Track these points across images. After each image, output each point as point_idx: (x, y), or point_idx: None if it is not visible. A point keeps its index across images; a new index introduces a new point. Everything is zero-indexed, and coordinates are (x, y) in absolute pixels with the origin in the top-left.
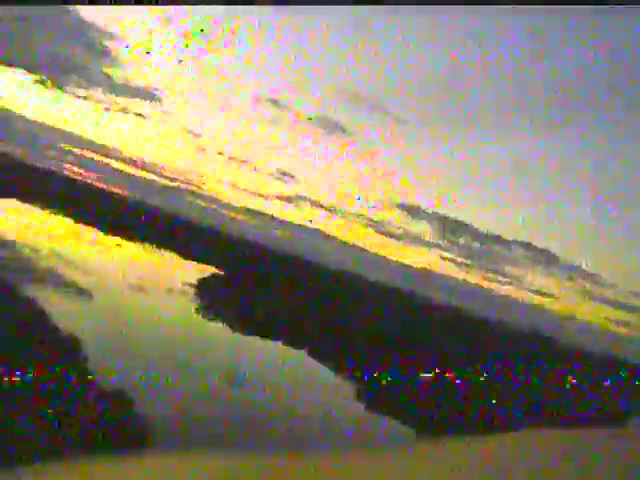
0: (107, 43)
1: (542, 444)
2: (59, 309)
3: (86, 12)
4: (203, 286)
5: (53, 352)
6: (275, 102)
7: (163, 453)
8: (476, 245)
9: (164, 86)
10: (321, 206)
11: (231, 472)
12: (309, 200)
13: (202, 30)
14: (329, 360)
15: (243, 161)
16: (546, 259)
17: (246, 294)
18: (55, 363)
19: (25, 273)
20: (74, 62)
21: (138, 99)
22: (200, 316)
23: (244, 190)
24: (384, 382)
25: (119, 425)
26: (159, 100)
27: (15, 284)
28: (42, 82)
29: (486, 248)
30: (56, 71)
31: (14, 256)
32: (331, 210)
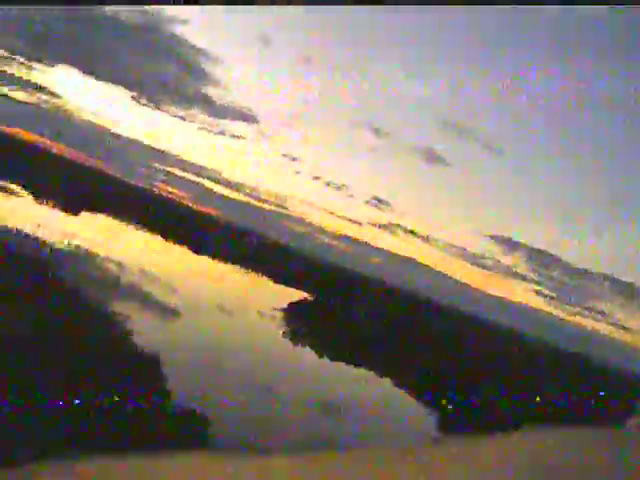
0: (202, 62)
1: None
2: (143, 327)
3: (179, 28)
4: (292, 310)
5: (135, 371)
6: (375, 130)
7: None
8: (567, 279)
9: (262, 108)
10: (415, 234)
11: None
12: (403, 228)
13: (304, 56)
14: (415, 388)
15: (339, 187)
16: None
17: (335, 319)
18: (137, 382)
19: (111, 289)
20: (170, 80)
21: (235, 120)
22: (288, 340)
23: (339, 216)
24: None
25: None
26: (257, 122)
27: (100, 299)
28: (137, 99)
29: (577, 282)
30: (152, 88)
31: (101, 271)
32: (425, 239)
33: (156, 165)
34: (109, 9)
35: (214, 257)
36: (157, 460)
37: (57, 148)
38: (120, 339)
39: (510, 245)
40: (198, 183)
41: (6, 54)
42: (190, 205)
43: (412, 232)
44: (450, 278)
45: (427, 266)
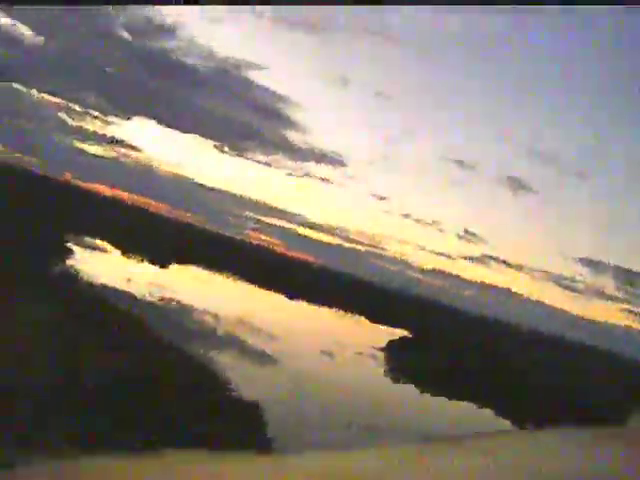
0: (282, 106)
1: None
2: (243, 375)
3: (255, 75)
4: (392, 349)
5: (235, 419)
6: (460, 162)
7: None
8: None
9: (346, 149)
10: (508, 264)
11: None
12: (496, 259)
13: (383, 95)
14: (517, 418)
15: (429, 223)
16: None
17: (435, 355)
18: (236, 430)
19: (207, 340)
20: (251, 127)
21: (320, 163)
22: (389, 379)
23: (430, 251)
24: None
25: None
26: (342, 164)
27: (196, 351)
28: (220, 148)
29: None
30: (233, 136)
31: (196, 323)
32: (518, 268)
33: (245, 213)
34: (187, 59)
35: (309, 301)
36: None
37: (140, 201)
38: (220, 388)
39: (600, 267)
40: (288, 229)
41: (80, 109)
42: (282, 251)
43: (504, 262)
44: (547, 305)
45: (520, 295)
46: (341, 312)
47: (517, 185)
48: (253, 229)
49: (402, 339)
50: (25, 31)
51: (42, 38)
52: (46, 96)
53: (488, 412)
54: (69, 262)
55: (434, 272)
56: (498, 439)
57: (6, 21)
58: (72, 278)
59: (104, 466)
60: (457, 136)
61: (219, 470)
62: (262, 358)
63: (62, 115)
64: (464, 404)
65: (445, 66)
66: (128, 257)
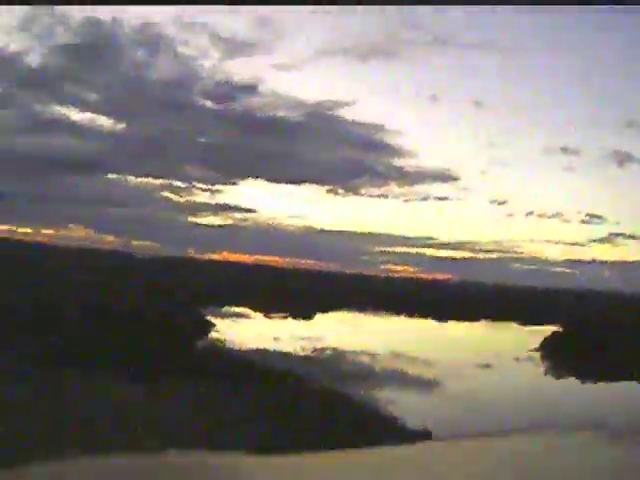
0: (381, 135)
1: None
2: (409, 406)
3: (346, 112)
4: (547, 347)
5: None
6: (564, 149)
7: None
8: None
9: (454, 163)
10: (635, 238)
11: None
12: (622, 234)
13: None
14: None
15: (552, 215)
16: None
17: (591, 344)
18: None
19: (366, 379)
20: (357, 163)
21: (435, 182)
22: (550, 377)
23: (560, 242)
24: None
25: None
26: (456, 178)
27: (355, 393)
28: (333, 191)
29: None
30: (343, 176)
31: (352, 366)
32: None
33: (374, 249)
34: (276, 112)
35: (458, 319)
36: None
37: (268, 261)
38: (389, 423)
39: None
40: (421, 253)
41: (184, 184)
42: (420, 276)
43: (631, 237)
44: None
45: None
46: (489, 322)
47: (623, 158)
48: (386, 262)
49: (555, 335)
50: (104, 122)
51: (123, 124)
52: (145, 179)
53: None
54: (214, 335)
55: (570, 262)
56: (498, 439)
57: (83, 116)
58: (219, 350)
59: (104, 466)
60: (556, 124)
61: (219, 470)
62: (423, 385)
63: (167, 194)
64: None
65: (530, 65)
66: (270, 317)
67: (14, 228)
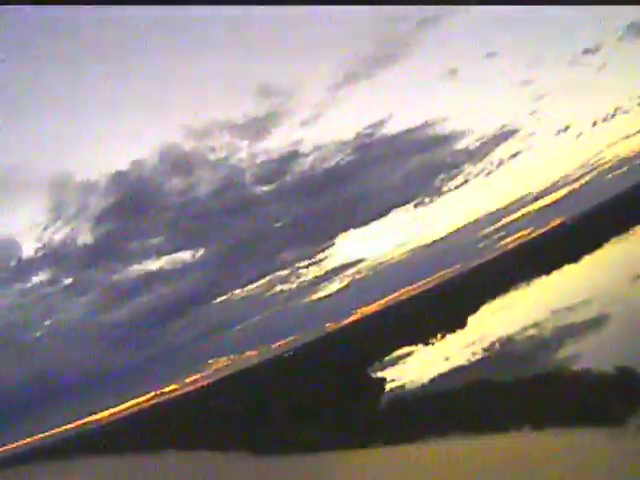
0: (431, 131)
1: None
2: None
3: (387, 128)
4: None
5: None
6: (587, 51)
7: None
8: None
9: (506, 116)
10: None
11: None
12: None
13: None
14: None
15: (613, 114)
16: None
17: None
18: None
19: (549, 348)
20: (426, 168)
21: (502, 144)
22: None
23: (635, 134)
24: None
25: None
26: (517, 130)
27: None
28: (421, 203)
29: None
30: (421, 186)
31: (527, 345)
32: None
33: (488, 230)
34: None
35: (592, 250)
36: None
37: (400, 295)
38: None
39: None
40: (527, 213)
41: (289, 271)
42: (541, 231)
43: None
44: None
45: None
46: (617, 238)
47: None
48: (504, 236)
49: None
50: (184, 256)
51: (202, 250)
52: (252, 286)
53: None
54: (393, 385)
55: None
56: (498, 439)
57: (162, 262)
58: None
59: (104, 466)
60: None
61: (221, 470)
62: (594, 323)
63: (279, 287)
64: None
65: None
66: (432, 343)
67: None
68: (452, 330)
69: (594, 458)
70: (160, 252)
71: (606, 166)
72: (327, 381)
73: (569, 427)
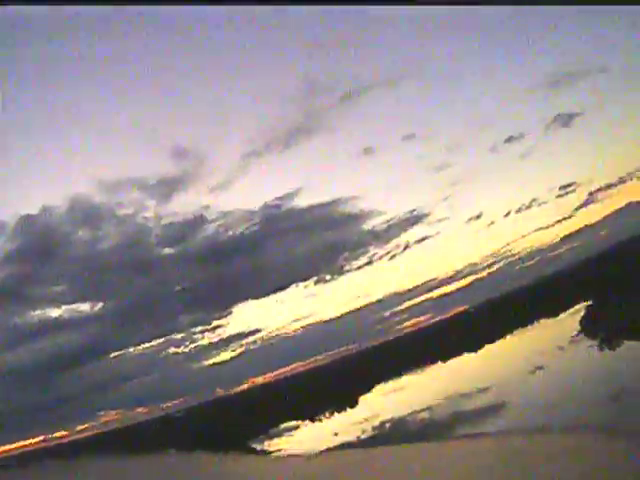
0: (342, 209)
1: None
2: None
3: (298, 201)
4: (587, 324)
5: None
6: (510, 139)
7: None
8: None
9: (419, 201)
10: (612, 186)
11: None
12: (600, 189)
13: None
14: None
15: (528, 205)
16: None
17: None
18: None
19: (435, 432)
20: (332, 244)
21: (410, 228)
22: (606, 350)
23: (547, 226)
24: None
25: None
26: (426, 215)
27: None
28: (322, 280)
29: None
30: (322, 263)
31: (416, 424)
32: None
33: (384, 314)
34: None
35: (491, 341)
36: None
37: (291, 369)
38: None
39: None
40: (429, 298)
41: (183, 334)
42: (440, 318)
43: (609, 186)
44: None
45: None
46: (520, 329)
47: (565, 118)
48: (401, 322)
49: (589, 308)
50: (83, 308)
51: (100, 304)
52: (146, 345)
53: None
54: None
55: (567, 238)
56: (498, 439)
57: (61, 310)
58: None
59: (104, 466)
60: (488, 121)
61: (219, 470)
62: (490, 412)
63: (172, 350)
64: None
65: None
66: (320, 420)
67: (48, 436)
68: (342, 408)
69: (594, 458)
70: (61, 301)
71: (516, 257)
72: (211, 445)
73: None
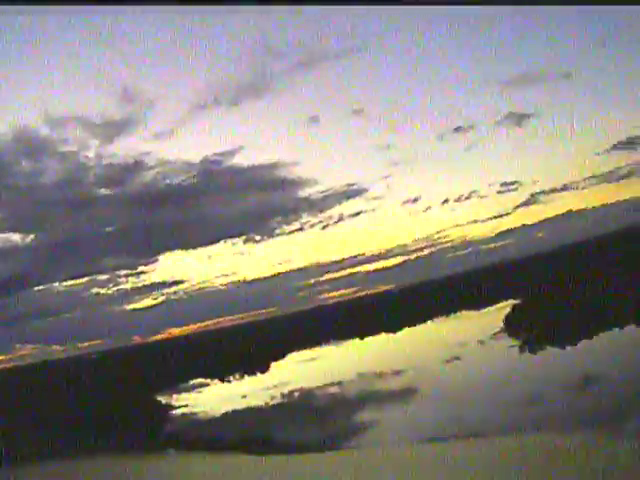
0: (280, 172)
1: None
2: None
3: (237, 159)
4: (509, 321)
5: None
6: (458, 129)
7: None
8: None
9: (360, 175)
10: (554, 190)
11: None
12: (543, 192)
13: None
14: None
15: (467, 196)
16: None
17: (554, 308)
18: None
19: (345, 407)
20: (265, 206)
21: (346, 201)
22: (526, 353)
23: (484, 220)
24: None
25: None
26: (364, 190)
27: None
28: (252, 239)
29: None
30: (256, 224)
31: (324, 398)
32: (562, 189)
33: (308, 282)
34: (171, 180)
35: (410, 325)
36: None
37: (211, 325)
38: None
39: None
40: (355, 272)
41: (107, 276)
42: (361, 294)
43: (553, 190)
44: None
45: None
46: (442, 317)
47: (520, 117)
48: (323, 292)
49: (515, 309)
50: (14, 238)
51: (32, 235)
52: (71, 282)
53: None
54: (184, 410)
55: (502, 234)
56: (497, 439)
57: None
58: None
59: (104, 466)
60: (441, 107)
61: (219, 470)
62: (400, 396)
63: (95, 290)
64: None
65: (393, 60)
66: (229, 381)
67: None
68: (253, 372)
69: (595, 458)
70: None
71: (448, 245)
72: (119, 391)
73: None
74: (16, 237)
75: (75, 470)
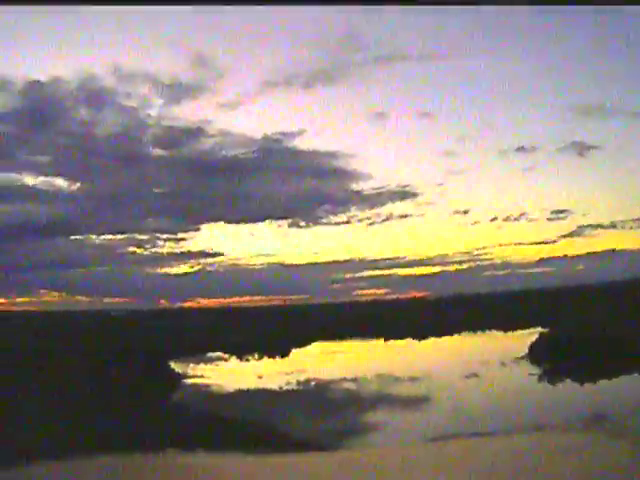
0: (337, 161)
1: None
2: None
3: (298, 142)
4: (536, 350)
5: None
6: (521, 149)
7: None
8: None
9: (415, 178)
10: (602, 226)
11: None
12: (590, 226)
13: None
14: None
15: (516, 217)
16: None
17: (579, 343)
18: None
19: (355, 404)
20: (316, 193)
21: (397, 202)
22: (545, 383)
23: (528, 243)
24: None
25: None
26: (416, 194)
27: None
28: (296, 224)
29: None
30: (304, 208)
31: (339, 393)
32: (612, 226)
33: (345, 276)
34: (226, 152)
35: (437, 335)
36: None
37: (240, 302)
38: None
39: None
40: (391, 274)
41: (147, 236)
42: (394, 297)
43: (599, 226)
44: None
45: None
46: (470, 333)
47: (582, 148)
48: (356, 288)
49: (542, 337)
50: (59, 183)
51: (78, 184)
52: (108, 237)
53: None
54: (197, 381)
55: (543, 261)
56: (497, 439)
57: (37, 180)
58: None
59: (104, 466)
60: (508, 125)
61: (219, 470)
62: (412, 403)
63: (132, 249)
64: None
65: (470, 69)
66: (247, 359)
67: None
68: (273, 355)
69: (594, 458)
70: (40, 171)
71: (488, 263)
72: (133, 353)
73: None
74: (61, 182)
75: (75, 470)
